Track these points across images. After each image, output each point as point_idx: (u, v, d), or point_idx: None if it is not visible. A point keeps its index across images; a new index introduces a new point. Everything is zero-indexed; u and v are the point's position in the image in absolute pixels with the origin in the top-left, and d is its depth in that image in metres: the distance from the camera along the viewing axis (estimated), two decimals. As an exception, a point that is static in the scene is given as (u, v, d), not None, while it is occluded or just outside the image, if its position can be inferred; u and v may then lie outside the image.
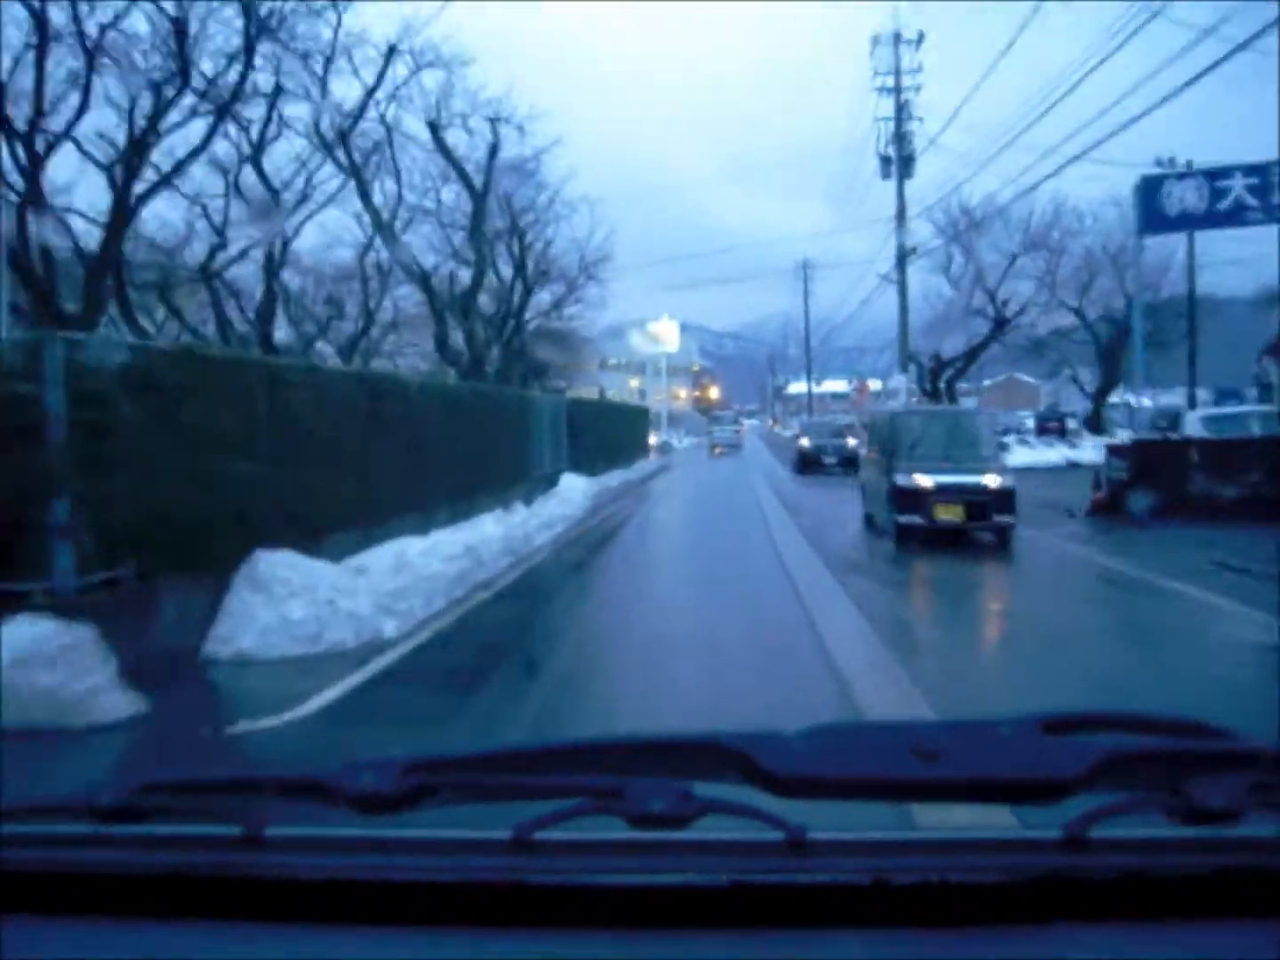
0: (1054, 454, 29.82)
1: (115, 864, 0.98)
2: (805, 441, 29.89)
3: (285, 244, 19.51)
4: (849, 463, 26.70)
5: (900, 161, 32.05)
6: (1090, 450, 28.56)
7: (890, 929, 0.88)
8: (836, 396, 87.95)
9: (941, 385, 35.93)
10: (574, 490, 18.41)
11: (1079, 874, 0.91)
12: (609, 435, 27.61)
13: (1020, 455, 28.54)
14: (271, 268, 17.75)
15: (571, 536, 14.00)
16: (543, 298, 28.49)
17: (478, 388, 15.43)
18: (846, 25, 50.29)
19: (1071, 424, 35.80)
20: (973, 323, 34.91)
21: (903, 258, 31.51)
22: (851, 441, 28.58)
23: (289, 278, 28.36)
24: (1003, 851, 0.95)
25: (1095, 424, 35.49)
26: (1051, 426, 35.24)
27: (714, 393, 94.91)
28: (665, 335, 62.20)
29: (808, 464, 28.25)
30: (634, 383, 70.72)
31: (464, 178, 17.14)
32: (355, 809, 0.98)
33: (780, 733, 1.01)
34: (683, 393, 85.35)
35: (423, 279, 17.01)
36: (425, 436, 12.12)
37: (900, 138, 32.19)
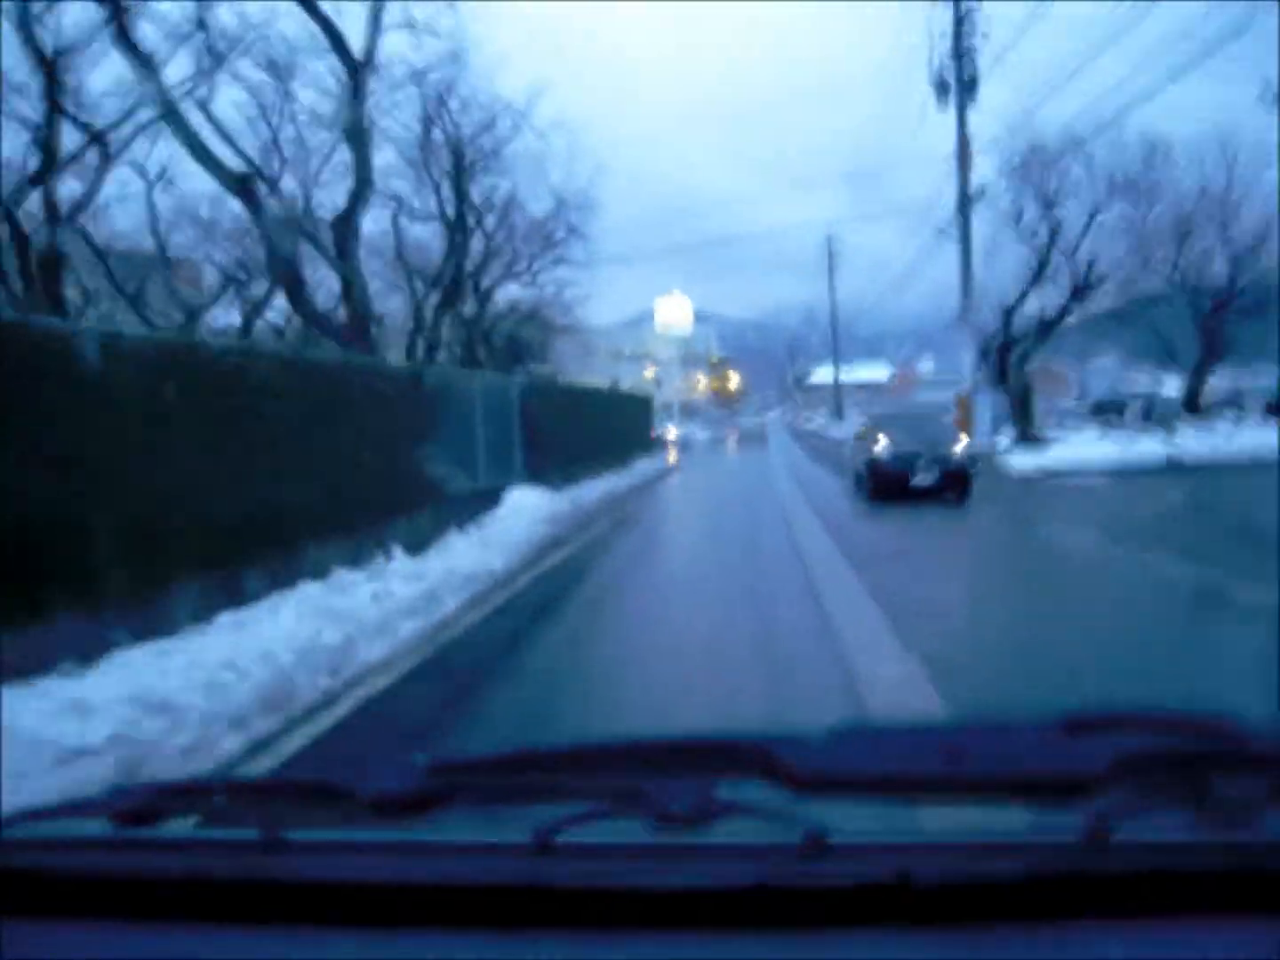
0: (1146, 447, 22.34)
1: (134, 867, 0.97)
2: (882, 445, 15.98)
3: (106, 159, 13.46)
4: (956, 484, 15.35)
5: (960, 85, 25.81)
6: (1196, 442, 22.17)
7: (913, 930, 0.87)
8: (864, 386, 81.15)
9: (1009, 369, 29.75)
10: (517, 518, 12.27)
11: (1100, 874, 0.89)
12: (594, 431, 21.41)
13: (1100, 448, 22.05)
14: (51, 192, 11.67)
15: (458, 635, 7.12)
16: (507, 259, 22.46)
17: (311, 359, 9.14)
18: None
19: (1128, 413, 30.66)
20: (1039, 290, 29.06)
21: (965, 203, 25.23)
22: (958, 447, 16.21)
23: (187, 237, 22.57)
24: (1024, 852, 0.92)
25: (1195, 406, 29.23)
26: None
27: (733, 383, 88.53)
28: (676, 313, 56.04)
29: (884, 485, 15.61)
30: (649, 373, 65.15)
31: (330, 34, 11.00)
32: (374, 812, 0.98)
33: (802, 732, 1.00)
34: (701, 382, 79.77)
35: (240, 181, 10.83)
36: (157, 443, 6.03)
37: (960, 56, 25.95)
